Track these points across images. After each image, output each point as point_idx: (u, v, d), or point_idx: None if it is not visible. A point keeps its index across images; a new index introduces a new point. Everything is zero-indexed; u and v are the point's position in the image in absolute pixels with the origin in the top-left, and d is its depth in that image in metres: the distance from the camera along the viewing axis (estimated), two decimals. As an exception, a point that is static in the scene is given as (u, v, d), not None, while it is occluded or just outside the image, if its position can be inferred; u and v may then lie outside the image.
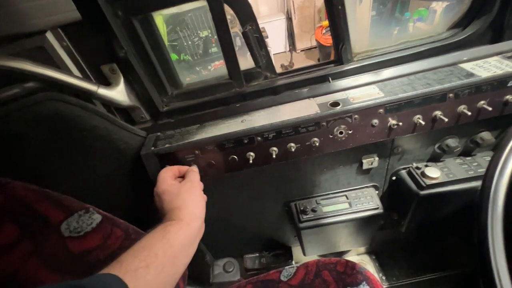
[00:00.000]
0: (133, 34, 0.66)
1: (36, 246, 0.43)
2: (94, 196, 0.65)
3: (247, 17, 0.67)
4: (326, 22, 3.31)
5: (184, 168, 0.66)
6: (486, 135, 0.75)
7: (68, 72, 0.61)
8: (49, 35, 0.57)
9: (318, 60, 3.85)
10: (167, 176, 0.60)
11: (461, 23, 0.77)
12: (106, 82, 0.68)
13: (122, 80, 0.68)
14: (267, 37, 3.31)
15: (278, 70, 0.76)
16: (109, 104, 0.69)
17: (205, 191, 0.86)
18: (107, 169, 0.69)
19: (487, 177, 0.40)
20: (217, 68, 2.58)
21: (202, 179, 0.73)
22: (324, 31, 3.37)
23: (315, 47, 4.01)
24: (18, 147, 0.57)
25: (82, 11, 0.55)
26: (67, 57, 0.61)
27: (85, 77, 0.65)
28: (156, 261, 0.39)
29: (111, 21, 0.58)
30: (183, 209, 0.51)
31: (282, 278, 0.78)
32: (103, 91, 0.64)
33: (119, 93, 0.68)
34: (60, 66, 0.60)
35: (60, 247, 0.44)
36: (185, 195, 0.54)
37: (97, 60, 0.65)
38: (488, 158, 0.78)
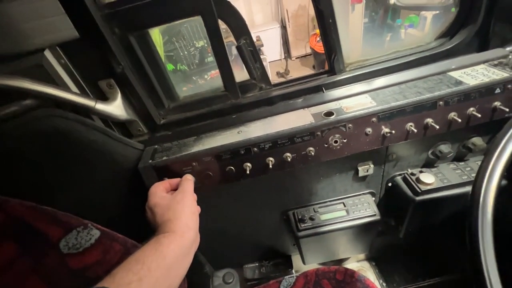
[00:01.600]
0: (129, 49, 0.67)
1: (36, 263, 0.43)
2: (93, 210, 0.65)
3: (241, 31, 0.69)
4: (320, 30, 3.37)
5: (175, 181, 0.66)
6: (478, 141, 0.77)
7: (66, 88, 0.62)
8: (47, 53, 0.58)
9: (313, 67, 3.91)
10: (158, 190, 0.60)
11: (449, 32, 0.80)
12: (104, 97, 0.69)
13: (119, 94, 0.69)
14: (262, 45, 3.36)
15: (274, 77, 0.78)
16: (106, 119, 0.70)
17: (203, 202, 0.86)
18: (105, 182, 0.69)
19: (476, 183, 0.41)
20: (214, 77, 2.61)
21: (200, 190, 0.73)
22: (318, 38, 3.44)
23: (310, 54, 4.07)
24: (17, 163, 0.57)
25: (80, 29, 0.57)
26: (65, 74, 0.62)
27: (83, 93, 0.66)
28: (149, 274, 0.39)
29: (108, 39, 0.60)
30: (175, 221, 0.51)
31: (281, 288, 0.78)
32: (100, 106, 0.65)
33: (116, 107, 0.69)
34: (58, 83, 0.61)
35: (59, 264, 0.45)
36: (177, 207, 0.54)
37: (95, 76, 0.66)
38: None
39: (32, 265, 0.42)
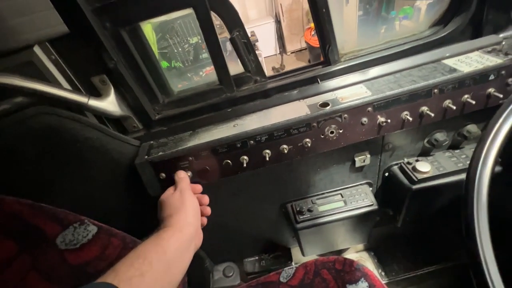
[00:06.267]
0: (121, 44, 0.66)
1: (34, 260, 0.43)
2: (90, 207, 0.65)
3: (234, 23, 0.68)
4: (314, 24, 3.35)
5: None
6: (473, 128, 0.78)
7: (58, 85, 0.61)
8: (37, 49, 0.57)
9: (309, 61, 3.89)
10: (169, 188, 0.63)
11: (442, 20, 0.80)
12: (97, 94, 0.68)
13: (112, 90, 0.68)
14: (257, 40, 3.33)
15: (270, 72, 0.77)
16: (100, 115, 0.69)
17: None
18: (101, 179, 0.69)
19: (471, 169, 0.41)
20: (209, 73, 2.59)
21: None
22: (313, 32, 3.42)
23: (305, 49, 4.05)
24: (11, 162, 0.57)
25: (70, 24, 0.56)
26: (56, 71, 0.61)
27: (75, 90, 0.65)
28: (150, 269, 0.39)
29: (99, 33, 0.59)
30: (174, 216, 0.52)
31: (281, 279, 0.78)
32: (94, 103, 0.65)
33: (110, 103, 0.68)
34: (49, 79, 0.60)
35: (58, 260, 0.44)
36: (177, 203, 0.55)
37: (87, 72, 0.65)
38: (476, 150, 0.80)
39: (31, 262, 0.42)
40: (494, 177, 0.41)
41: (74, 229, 0.47)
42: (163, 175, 0.70)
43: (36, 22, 0.54)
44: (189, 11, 0.64)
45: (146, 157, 0.69)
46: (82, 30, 0.58)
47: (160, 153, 0.69)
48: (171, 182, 0.70)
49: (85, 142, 0.61)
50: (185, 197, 0.58)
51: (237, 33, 0.69)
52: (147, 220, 0.83)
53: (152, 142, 0.75)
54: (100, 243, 0.50)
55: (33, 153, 0.56)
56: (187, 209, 0.55)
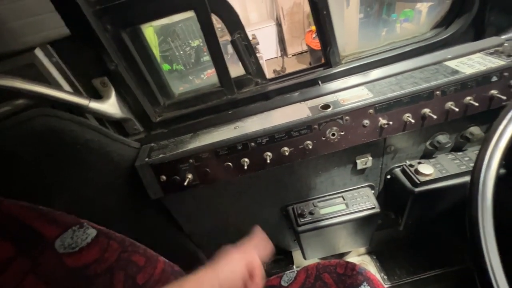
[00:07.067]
0: (122, 47, 0.66)
1: (33, 263, 0.42)
2: (90, 209, 0.64)
3: (235, 25, 0.68)
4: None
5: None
6: (475, 130, 0.77)
7: (59, 87, 0.61)
8: (38, 52, 0.57)
9: (310, 64, 3.90)
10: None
11: (444, 22, 0.79)
12: (98, 96, 0.68)
13: (113, 92, 0.68)
14: (258, 43, 3.35)
15: (271, 75, 0.77)
16: (101, 117, 0.69)
17: (202, 199, 0.86)
18: (102, 182, 0.69)
19: (475, 172, 0.41)
20: (210, 76, 2.60)
21: (198, 187, 0.73)
22: (314, 35, 3.42)
23: (306, 51, 4.06)
24: (12, 164, 0.56)
25: (71, 26, 0.56)
26: (57, 73, 0.61)
27: (76, 92, 0.65)
28: None
29: (100, 35, 0.59)
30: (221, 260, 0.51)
31: (282, 283, 0.77)
32: (94, 105, 0.65)
33: (111, 105, 0.68)
34: (50, 81, 0.60)
35: (57, 263, 0.44)
36: (235, 254, 0.53)
37: (88, 74, 0.65)
38: (479, 153, 0.79)
39: (29, 265, 0.42)
40: (498, 181, 0.40)
41: (73, 232, 0.47)
42: (164, 177, 0.69)
43: (38, 24, 0.54)
44: (190, 14, 0.64)
45: (147, 159, 0.68)
46: (83, 32, 0.58)
47: (161, 156, 0.68)
48: (171, 184, 0.70)
49: (85, 144, 0.61)
50: (241, 259, 0.52)
51: (238, 35, 0.69)
52: (147, 223, 0.83)
53: (152, 144, 0.75)
54: (99, 246, 0.49)
55: (33, 155, 0.56)
56: (232, 265, 0.51)
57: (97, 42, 0.60)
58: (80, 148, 0.61)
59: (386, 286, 1.12)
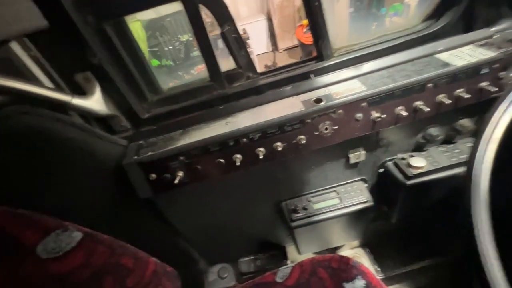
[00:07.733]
0: (106, 40, 0.63)
1: (11, 272, 0.40)
2: (76, 211, 0.61)
3: (224, 17, 0.66)
4: (306, 21, 3.34)
5: None
6: (466, 122, 0.77)
7: (38, 83, 0.58)
8: (14, 45, 0.53)
9: (301, 58, 3.88)
10: None
11: (435, 14, 0.79)
12: (81, 92, 0.65)
13: (98, 88, 0.65)
14: (248, 38, 3.31)
15: (262, 70, 0.76)
16: (85, 115, 0.66)
17: (193, 197, 0.84)
18: (87, 182, 0.66)
19: (469, 163, 0.41)
20: (200, 71, 2.56)
21: (189, 185, 0.71)
22: (305, 29, 3.40)
23: (297, 46, 4.04)
24: (-13, 166, 0.53)
25: (49, 18, 0.52)
26: (36, 67, 0.58)
27: (58, 88, 0.62)
28: None
29: (80, 28, 0.56)
30: None
31: (277, 279, 0.77)
32: (78, 101, 0.61)
33: (95, 102, 0.65)
34: (28, 77, 0.56)
35: (38, 270, 0.42)
36: None
37: (69, 68, 0.62)
38: (469, 144, 0.80)
39: (7, 274, 0.39)
40: (493, 171, 0.40)
41: (56, 235, 0.44)
42: (153, 175, 0.67)
43: (12, 16, 0.50)
44: (178, 7, 0.61)
45: (135, 157, 0.66)
46: (63, 24, 0.54)
47: (150, 153, 0.66)
48: (161, 183, 0.67)
49: (68, 143, 0.58)
50: None
51: (228, 28, 0.66)
52: (137, 223, 0.80)
53: (141, 141, 0.72)
54: (85, 250, 0.47)
55: (11, 156, 0.53)
56: None
57: (77, 35, 0.57)
58: (63, 147, 0.58)
59: (379, 277, 1.13)
